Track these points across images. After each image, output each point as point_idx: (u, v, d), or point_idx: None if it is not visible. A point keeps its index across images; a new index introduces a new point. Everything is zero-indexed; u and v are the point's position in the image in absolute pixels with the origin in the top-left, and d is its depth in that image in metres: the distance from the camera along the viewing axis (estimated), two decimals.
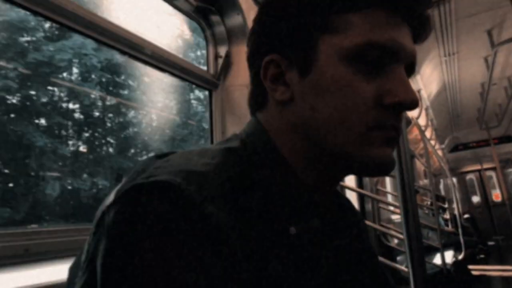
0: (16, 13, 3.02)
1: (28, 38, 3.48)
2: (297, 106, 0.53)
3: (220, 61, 2.08)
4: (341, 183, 3.62)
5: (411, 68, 0.54)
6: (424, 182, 9.04)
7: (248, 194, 0.48)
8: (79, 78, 4.22)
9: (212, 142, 2.05)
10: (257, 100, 0.59)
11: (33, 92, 3.41)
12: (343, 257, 0.60)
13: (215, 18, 2.07)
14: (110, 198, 0.46)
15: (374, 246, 0.71)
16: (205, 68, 2.07)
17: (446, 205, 6.21)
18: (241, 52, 2.09)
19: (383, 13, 0.50)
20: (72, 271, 0.50)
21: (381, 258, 2.79)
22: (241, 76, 2.07)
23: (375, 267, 0.68)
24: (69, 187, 3.69)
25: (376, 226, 3.37)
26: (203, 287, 0.39)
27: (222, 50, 2.09)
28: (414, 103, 0.49)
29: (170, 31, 1.95)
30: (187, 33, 2.05)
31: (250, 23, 2.11)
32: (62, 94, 3.95)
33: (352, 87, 0.49)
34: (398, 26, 0.51)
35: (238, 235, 0.44)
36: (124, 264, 0.40)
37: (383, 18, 0.50)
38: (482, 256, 6.49)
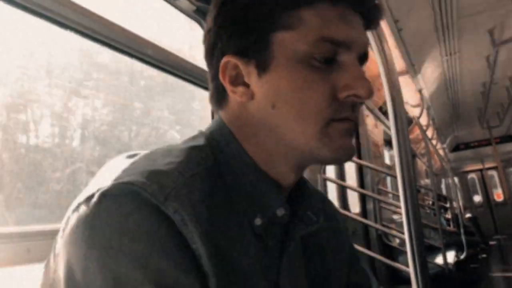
0: None
1: None
2: (258, 104, 0.54)
3: None
4: (342, 182, 3.62)
5: (364, 57, 0.56)
6: (425, 181, 9.03)
7: (213, 190, 0.50)
8: None
9: None
10: (218, 98, 0.60)
11: None
12: (310, 246, 0.61)
13: None
14: (80, 197, 0.47)
15: (349, 238, 0.73)
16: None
17: (447, 205, 6.20)
18: None
19: (333, 7, 0.51)
20: (45, 268, 0.52)
21: (382, 258, 2.78)
22: None
23: (347, 258, 0.70)
24: None
25: (378, 226, 3.37)
26: (166, 281, 0.41)
27: None
28: (369, 93, 0.51)
29: (170, 30, 1.95)
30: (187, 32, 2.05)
31: None
32: None
33: (309, 85, 0.50)
34: (349, 19, 0.52)
35: (204, 229, 0.45)
36: (84, 264, 0.42)
37: (333, 12, 0.50)
38: (484, 255, 6.48)
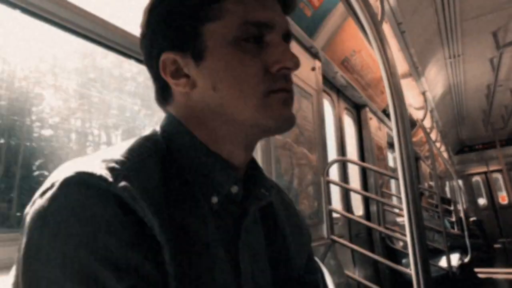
0: None
1: None
2: (200, 90, 0.59)
3: None
4: (345, 185, 3.61)
5: (287, 37, 0.62)
6: (429, 184, 8.99)
7: (165, 172, 0.54)
8: None
9: None
10: (164, 95, 0.64)
11: None
12: (269, 224, 0.67)
13: None
14: (37, 193, 0.50)
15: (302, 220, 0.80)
16: None
17: (452, 208, 6.17)
18: None
19: None
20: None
21: (386, 261, 2.78)
22: None
23: (306, 245, 0.75)
24: None
25: (381, 229, 3.36)
26: (114, 258, 0.44)
27: None
28: (296, 64, 0.58)
29: None
30: None
31: None
32: None
33: (242, 63, 0.57)
34: (268, 4, 0.59)
35: (156, 202, 0.49)
36: (37, 249, 0.45)
37: (252, 0, 0.58)
38: (488, 258, 6.44)
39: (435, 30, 4.38)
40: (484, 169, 11.61)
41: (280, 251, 0.67)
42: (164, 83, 0.62)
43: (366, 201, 4.28)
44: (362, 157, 4.52)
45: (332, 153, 3.67)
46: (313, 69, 2.87)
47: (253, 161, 0.67)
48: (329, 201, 2.70)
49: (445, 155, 8.49)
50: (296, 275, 0.69)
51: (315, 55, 2.93)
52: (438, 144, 7.24)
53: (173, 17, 0.59)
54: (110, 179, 0.47)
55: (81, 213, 0.45)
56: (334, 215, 2.78)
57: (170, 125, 0.62)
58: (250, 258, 0.60)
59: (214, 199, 0.57)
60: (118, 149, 0.55)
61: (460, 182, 10.00)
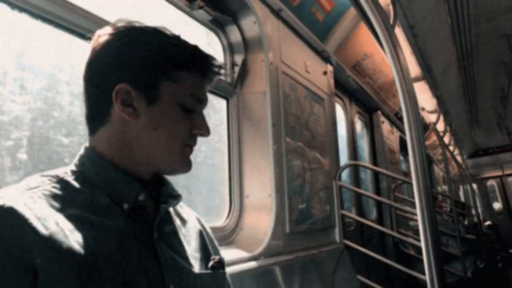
0: None
1: None
2: (142, 124, 0.75)
3: (237, 69, 2.10)
4: (357, 189, 3.60)
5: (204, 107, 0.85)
6: (443, 188, 8.88)
7: (70, 191, 0.69)
8: None
9: (229, 148, 2.07)
10: (101, 115, 0.77)
11: None
12: (168, 226, 0.82)
13: (231, 27, 2.10)
14: None
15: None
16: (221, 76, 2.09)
17: (466, 212, 6.09)
18: (257, 60, 2.11)
19: (198, 74, 0.80)
20: None
21: (399, 266, 2.75)
22: (257, 84, 2.09)
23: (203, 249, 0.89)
24: None
25: (394, 234, 3.33)
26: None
27: (239, 59, 2.12)
28: (208, 133, 0.82)
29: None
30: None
31: (266, 32, 2.14)
32: None
33: (179, 121, 0.77)
34: (205, 83, 0.82)
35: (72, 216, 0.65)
36: None
37: (198, 77, 0.80)
38: (504, 264, 6.33)
39: (448, 33, 4.34)
40: (499, 172, 11.43)
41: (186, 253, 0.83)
42: (106, 105, 0.75)
43: (379, 206, 4.25)
44: (374, 161, 4.49)
45: (344, 158, 3.66)
46: (325, 73, 2.87)
47: (161, 178, 0.85)
48: (341, 206, 2.69)
49: (459, 158, 8.38)
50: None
51: (327, 59, 2.93)
52: (451, 148, 7.16)
53: (142, 66, 0.75)
54: (10, 204, 0.61)
55: None
56: (347, 219, 2.77)
57: (84, 155, 0.77)
58: (170, 249, 0.76)
59: (125, 206, 0.72)
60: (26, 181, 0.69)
61: (475, 186, 9.85)
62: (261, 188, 1.98)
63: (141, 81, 0.75)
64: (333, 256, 2.39)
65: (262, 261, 1.74)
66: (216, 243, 0.96)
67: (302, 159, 2.29)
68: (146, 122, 0.75)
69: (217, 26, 2.10)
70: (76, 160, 0.78)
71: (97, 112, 0.77)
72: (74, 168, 0.75)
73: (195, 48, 0.81)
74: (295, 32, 2.47)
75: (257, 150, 2.03)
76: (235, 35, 2.12)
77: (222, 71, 0.85)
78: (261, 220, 1.93)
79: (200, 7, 1.85)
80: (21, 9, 1.17)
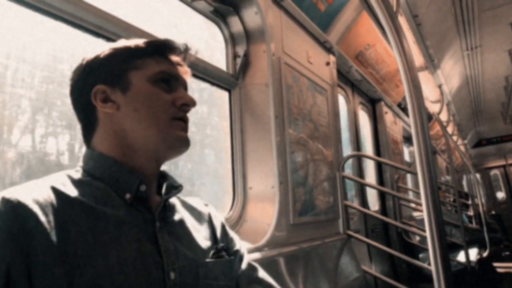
0: None
1: None
2: (123, 112, 0.81)
3: (239, 60, 2.08)
4: (361, 179, 3.59)
5: (185, 87, 0.91)
6: (446, 178, 8.87)
7: (77, 184, 0.74)
8: None
9: (232, 140, 2.06)
10: (91, 122, 0.84)
11: None
12: (169, 216, 0.85)
13: (233, 18, 2.08)
14: None
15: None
16: (223, 68, 2.08)
17: (469, 202, 6.08)
18: (259, 51, 2.09)
19: (161, 57, 0.86)
20: None
21: (403, 256, 2.76)
22: (259, 75, 2.08)
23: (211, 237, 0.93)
24: None
25: (398, 224, 3.33)
26: None
27: (241, 50, 2.10)
28: (193, 103, 0.86)
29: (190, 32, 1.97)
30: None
31: (268, 22, 2.12)
32: None
33: (156, 95, 0.83)
34: (169, 63, 0.87)
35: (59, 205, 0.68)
36: None
37: (162, 59, 0.86)
38: (507, 253, 6.34)
39: (452, 22, 4.30)
40: (502, 162, 11.40)
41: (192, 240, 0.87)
42: (92, 113, 0.83)
43: (382, 196, 4.25)
44: (377, 151, 4.48)
45: (347, 148, 3.65)
46: (327, 63, 2.85)
47: (162, 171, 0.90)
48: (345, 196, 2.69)
49: (462, 148, 8.35)
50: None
51: (329, 50, 2.91)
52: (455, 138, 7.13)
53: (109, 61, 0.83)
54: (11, 204, 0.64)
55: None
56: (350, 210, 2.76)
57: (86, 156, 0.83)
58: (173, 238, 0.79)
59: (127, 196, 0.77)
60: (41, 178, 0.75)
61: (478, 175, 9.83)
62: (264, 180, 1.98)
63: (112, 78, 0.83)
64: (337, 247, 2.39)
65: (266, 252, 1.74)
66: (229, 231, 1.00)
67: (305, 150, 2.28)
68: (126, 108, 0.81)
69: (218, 17, 2.08)
70: (80, 162, 0.84)
71: (87, 120, 0.84)
72: (78, 168, 0.82)
73: (152, 39, 0.89)
74: (297, 22, 2.44)
75: (260, 141, 2.02)
76: (236, 26, 2.10)
77: (187, 50, 0.91)
78: (265, 211, 1.93)
79: None
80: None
